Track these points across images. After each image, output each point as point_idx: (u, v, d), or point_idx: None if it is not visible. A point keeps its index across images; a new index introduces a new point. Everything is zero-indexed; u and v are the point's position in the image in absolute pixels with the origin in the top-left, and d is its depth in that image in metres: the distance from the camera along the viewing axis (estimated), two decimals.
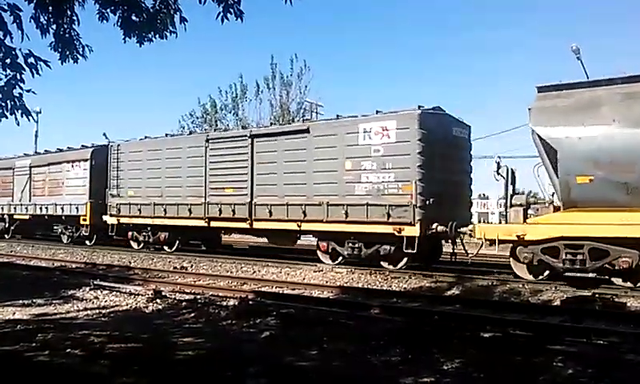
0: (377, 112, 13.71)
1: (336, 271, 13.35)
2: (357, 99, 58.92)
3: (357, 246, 13.69)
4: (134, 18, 5.62)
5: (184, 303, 9.23)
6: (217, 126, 31.44)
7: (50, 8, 5.39)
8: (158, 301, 9.42)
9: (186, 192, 17.24)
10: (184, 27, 5.79)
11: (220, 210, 16.15)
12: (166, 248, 18.30)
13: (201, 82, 67.48)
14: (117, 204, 19.21)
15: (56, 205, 21.97)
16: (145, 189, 18.50)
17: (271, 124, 27.39)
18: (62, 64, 5.65)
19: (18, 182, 24.60)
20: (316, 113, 30.61)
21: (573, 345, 6.33)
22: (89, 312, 8.77)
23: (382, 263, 13.60)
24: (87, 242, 20.94)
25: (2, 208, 25.44)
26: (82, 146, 22.32)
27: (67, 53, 5.61)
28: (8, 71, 4.98)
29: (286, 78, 32.35)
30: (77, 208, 20.90)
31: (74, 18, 5.57)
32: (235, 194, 15.88)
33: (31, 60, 4.95)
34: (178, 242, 18.19)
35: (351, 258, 13.93)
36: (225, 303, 9.20)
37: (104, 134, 21.48)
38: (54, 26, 5.49)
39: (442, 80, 59.17)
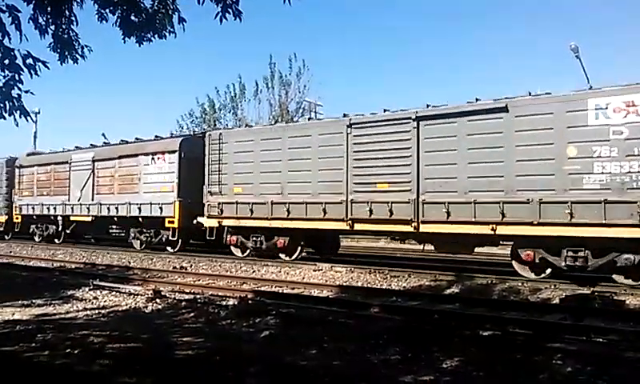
0: (592, 88, 11.09)
1: (335, 270, 13.34)
2: (357, 99, 58.72)
3: (581, 255, 10.82)
4: (132, 18, 5.64)
5: (184, 303, 9.24)
6: (215, 125, 31.43)
7: (49, 9, 5.39)
8: (158, 301, 9.43)
9: (317, 188, 14.17)
10: (182, 27, 5.82)
11: (370, 210, 13.15)
12: (282, 256, 15.39)
13: (200, 82, 67.37)
14: (218, 203, 15.93)
15: (130, 204, 18.51)
16: (258, 185, 15.27)
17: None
18: (61, 64, 5.68)
19: (75, 179, 20.91)
20: (315, 112, 30.60)
21: (572, 343, 6.35)
22: (88, 312, 8.77)
23: (614, 277, 10.96)
24: (169, 248, 17.96)
25: (55, 209, 21.69)
26: (156, 136, 19.45)
27: (66, 53, 5.62)
28: (6, 72, 5.00)
29: (285, 77, 32.40)
30: (160, 208, 17.51)
31: (73, 18, 5.59)
32: (392, 190, 12.88)
33: (30, 61, 4.97)
34: (300, 248, 15.38)
35: (571, 270, 11.10)
36: (224, 303, 9.21)
37: (103, 134, 21.20)
38: (53, 27, 5.51)
39: (444, 79, 59.12)
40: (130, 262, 16.00)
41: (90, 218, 20.37)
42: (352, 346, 6.33)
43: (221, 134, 16.49)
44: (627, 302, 9.44)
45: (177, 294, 10.14)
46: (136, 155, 18.89)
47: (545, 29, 58.08)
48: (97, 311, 8.86)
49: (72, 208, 21.03)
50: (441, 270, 12.86)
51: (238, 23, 5.43)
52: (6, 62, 4.96)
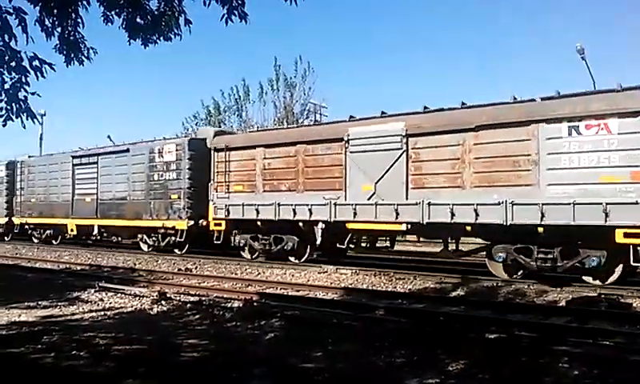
0: None
1: (340, 272, 13.32)
2: (360, 101, 58.62)
3: None
4: (138, 20, 5.67)
5: (189, 305, 9.25)
6: (220, 127, 31.49)
7: (55, 11, 5.42)
8: (163, 302, 9.44)
9: None
10: (189, 29, 5.84)
11: None
12: None
13: (205, 82, 67.43)
14: None
15: (513, 205, 11.07)
16: None
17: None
18: (67, 66, 5.71)
19: (360, 165, 13.40)
20: (320, 114, 30.64)
21: (578, 346, 6.31)
22: (94, 314, 8.80)
23: None
24: (589, 279, 11.15)
25: (310, 211, 14.06)
26: (557, 94, 11.42)
27: (72, 55, 5.65)
28: (13, 74, 5.03)
29: (290, 79, 32.46)
30: (604, 212, 10.21)
31: (79, 20, 5.61)
32: None
33: (36, 63, 5.00)
34: None
35: None
36: (229, 305, 9.20)
37: (108, 136, 20.94)
38: (59, 29, 5.53)
39: (446, 81, 58.99)
40: (135, 264, 16.03)
41: (403, 227, 12.94)
42: (357, 349, 6.33)
43: None
44: (634, 304, 9.38)
45: (182, 296, 10.15)
46: (526, 123, 11.26)
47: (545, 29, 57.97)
48: (102, 313, 8.88)
49: (354, 210, 13.40)
50: (446, 272, 12.81)
51: (243, 25, 5.45)
52: (13, 64, 4.99)
